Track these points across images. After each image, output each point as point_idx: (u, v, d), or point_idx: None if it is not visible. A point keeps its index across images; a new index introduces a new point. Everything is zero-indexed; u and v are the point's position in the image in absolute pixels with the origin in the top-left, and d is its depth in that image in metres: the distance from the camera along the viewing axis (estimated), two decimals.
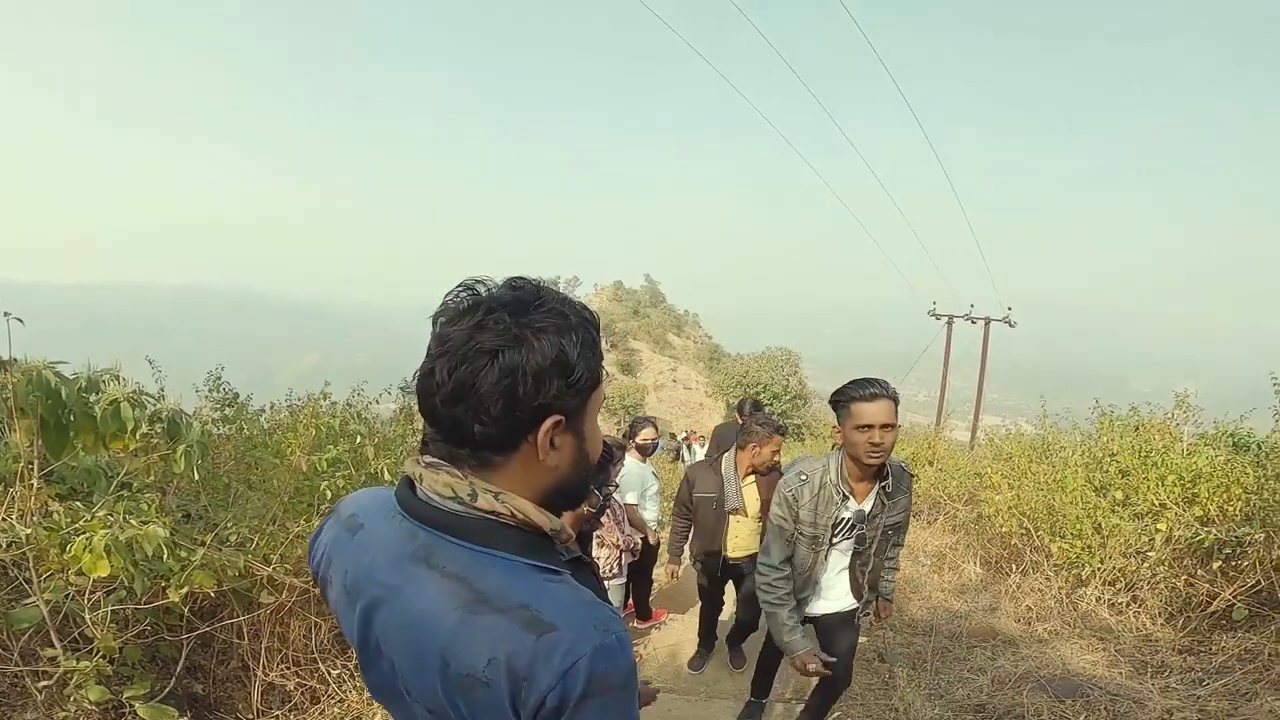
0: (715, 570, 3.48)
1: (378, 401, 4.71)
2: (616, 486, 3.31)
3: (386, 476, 3.12)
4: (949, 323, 18.21)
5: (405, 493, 0.78)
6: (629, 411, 37.35)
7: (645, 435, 4.27)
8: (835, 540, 2.21)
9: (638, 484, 4.12)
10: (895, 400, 1.99)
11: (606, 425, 30.76)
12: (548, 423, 0.72)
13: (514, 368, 0.68)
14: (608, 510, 3.25)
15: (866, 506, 2.16)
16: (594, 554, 3.34)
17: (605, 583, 3.27)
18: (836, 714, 3.09)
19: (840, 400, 2.05)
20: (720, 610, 3.84)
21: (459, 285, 0.75)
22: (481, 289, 0.74)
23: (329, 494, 2.91)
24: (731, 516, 3.36)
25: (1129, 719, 2.57)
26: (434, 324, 0.74)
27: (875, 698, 3.21)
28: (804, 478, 2.17)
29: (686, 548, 3.64)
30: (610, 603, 0.82)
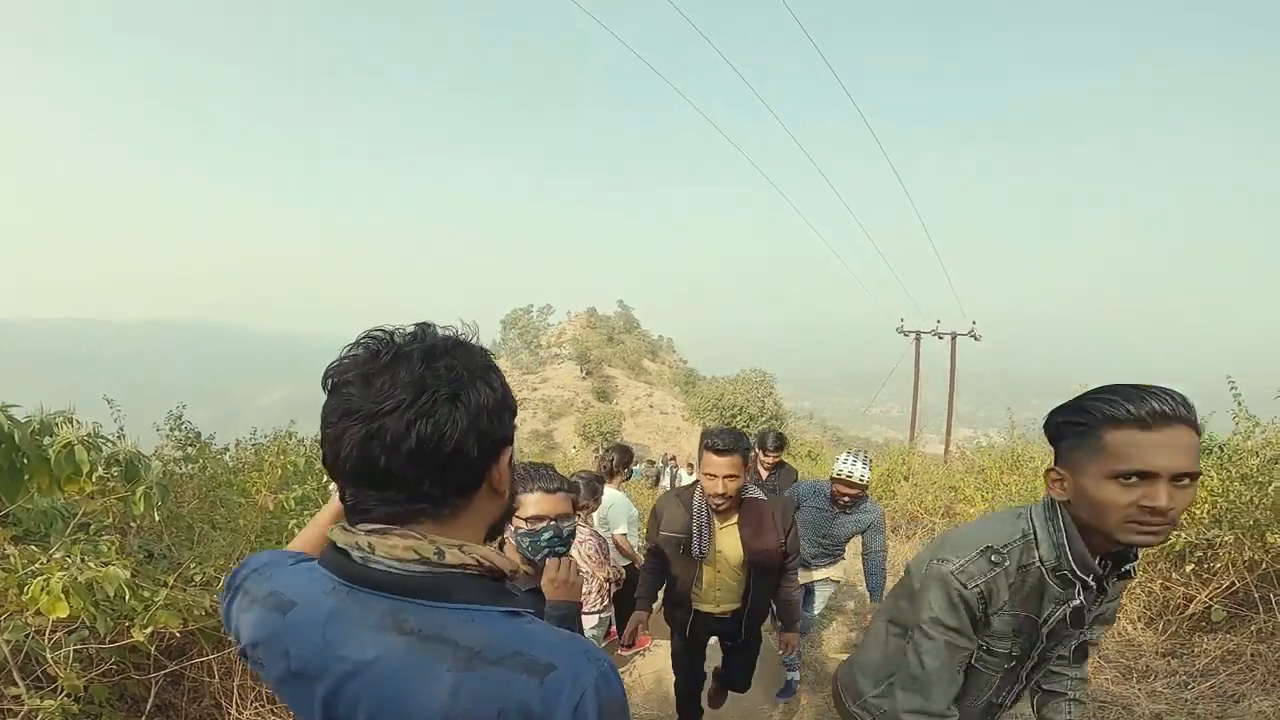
0: (684, 628, 2.73)
1: None
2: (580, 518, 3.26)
3: None
4: (917, 338, 18.64)
5: (343, 562, 0.72)
6: (606, 439, 37.18)
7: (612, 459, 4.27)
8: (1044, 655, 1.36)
9: (624, 512, 4.10)
10: (1198, 431, 1.08)
11: (585, 455, 30.49)
12: (506, 453, 0.73)
13: (479, 408, 0.69)
14: (595, 549, 3.17)
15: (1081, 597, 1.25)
16: (585, 592, 3.27)
17: (594, 615, 3.21)
18: None
19: (1086, 423, 1.13)
20: (701, 684, 2.99)
21: (359, 342, 0.71)
22: (395, 338, 0.71)
23: (296, 532, 2.82)
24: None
25: None
26: (331, 382, 0.70)
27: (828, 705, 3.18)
28: (997, 562, 1.22)
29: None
30: (576, 625, 0.83)
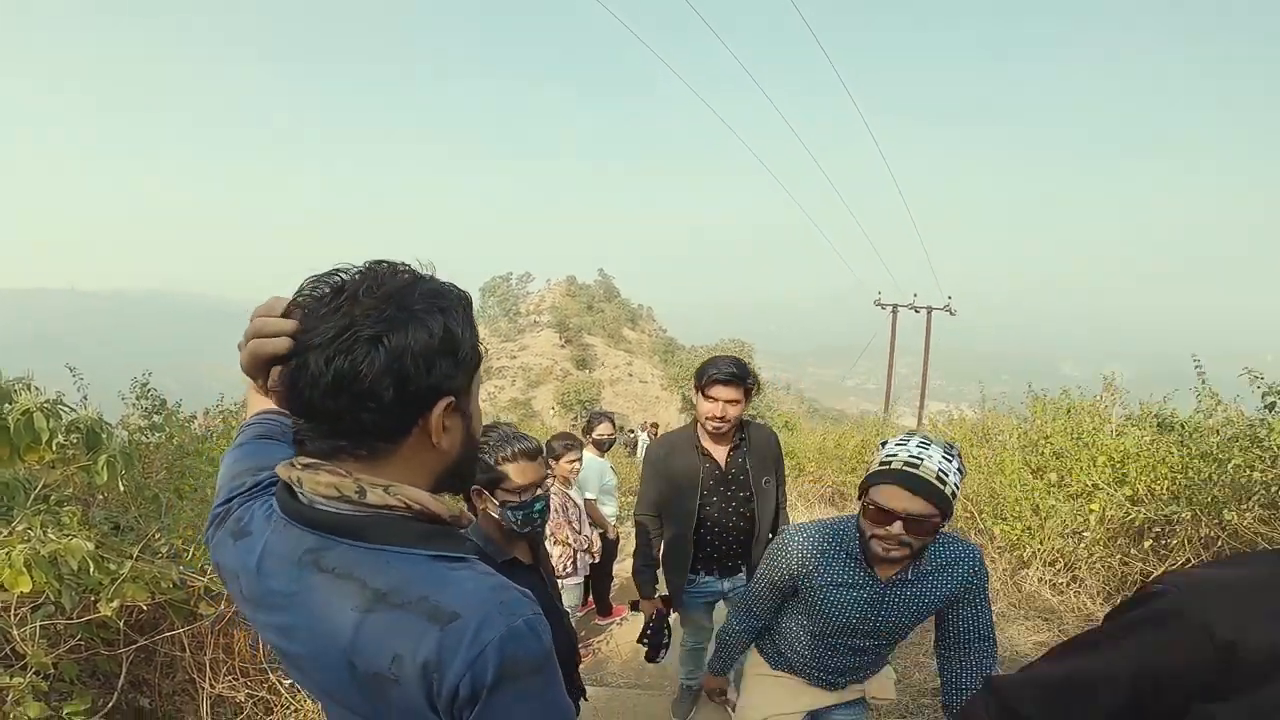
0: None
1: None
2: (553, 482, 3.24)
3: None
4: (894, 311, 18.83)
5: (285, 497, 0.74)
6: (585, 406, 37.23)
7: (602, 430, 4.26)
8: None
9: (596, 479, 4.09)
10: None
11: (562, 421, 30.53)
12: (441, 405, 0.70)
13: (401, 351, 0.66)
14: (558, 508, 3.19)
15: None
16: (546, 551, 3.30)
17: (560, 581, 3.24)
18: None
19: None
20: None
21: (315, 276, 0.71)
22: (343, 276, 0.70)
23: None
24: None
25: None
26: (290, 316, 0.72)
27: None
28: None
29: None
30: (546, 599, 0.82)
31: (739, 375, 2.26)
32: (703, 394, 2.31)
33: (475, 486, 1.52)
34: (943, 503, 1.38)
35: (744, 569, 2.54)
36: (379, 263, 0.71)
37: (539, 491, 1.58)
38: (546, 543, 3.27)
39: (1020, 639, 3.42)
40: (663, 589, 2.63)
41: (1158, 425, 5.55)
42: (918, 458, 1.40)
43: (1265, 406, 3.41)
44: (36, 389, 2.15)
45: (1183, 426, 5.46)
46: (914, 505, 1.38)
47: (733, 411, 2.28)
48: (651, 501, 2.52)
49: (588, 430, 4.30)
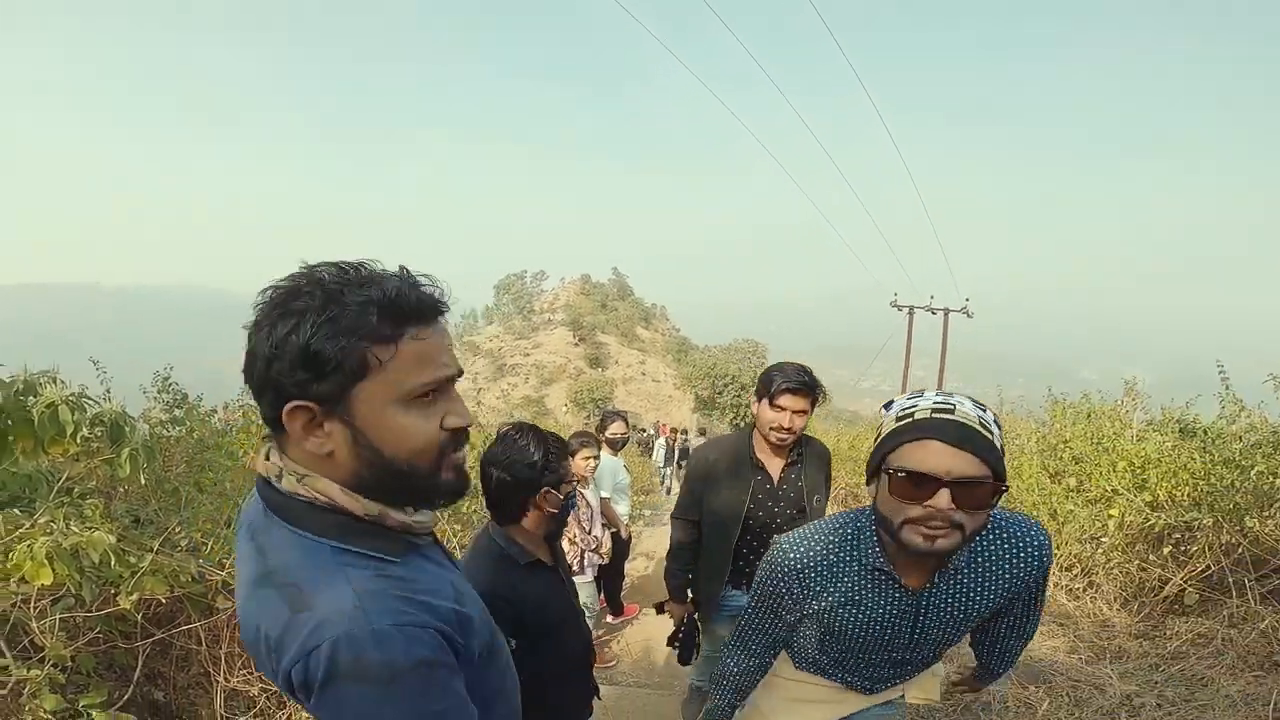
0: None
1: None
2: (575, 482, 3.24)
3: None
4: (910, 313, 18.62)
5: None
6: (598, 405, 37.31)
7: (616, 429, 4.25)
8: None
9: (610, 477, 4.09)
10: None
11: (576, 420, 30.61)
12: (287, 408, 0.72)
13: (253, 352, 0.72)
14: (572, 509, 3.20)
15: None
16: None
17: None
18: None
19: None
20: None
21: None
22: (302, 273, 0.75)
23: None
24: None
25: (1090, 704, 2.63)
26: None
27: None
28: None
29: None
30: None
31: (809, 384, 2.13)
32: (769, 402, 2.15)
33: (544, 489, 1.54)
34: (996, 460, 1.00)
35: None
36: (325, 263, 0.74)
37: (570, 486, 1.63)
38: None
39: (1035, 644, 3.37)
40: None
41: (1180, 431, 5.47)
42: (948, 404, 1.03)
43: None
44: (61, 382, 2.19)
45: (1205, 432, 5.37)
46: (960, 463, 0.97)
47: (799, 423, 2.15)
48: (693, 505, 2.38)
49: (601, 428, 4.30)
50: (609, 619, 4.49)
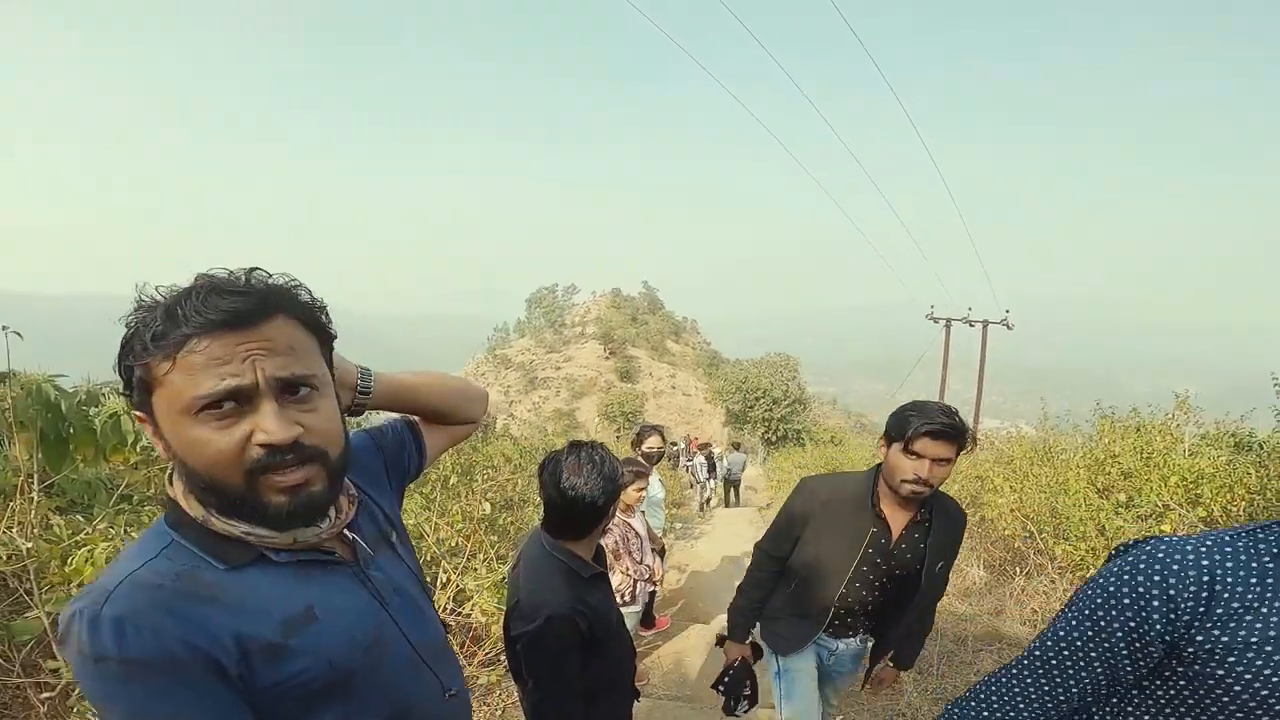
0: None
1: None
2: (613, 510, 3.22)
3: None
4: (947, 325, 18.24)
5: None
6: (629, 419, 37.29)
7: (652, 443, 4.20)
8: None
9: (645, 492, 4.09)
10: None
11: (605, 433, 30.62)
12: (142, 422, 0.76)
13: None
14: (619, 538, 3.16)
15: None
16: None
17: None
18: (841, 716, 3.07)
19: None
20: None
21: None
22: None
23: None
24: None
25: None
26: None
27: (883, 702, 3.18)
28: None
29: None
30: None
31: (956, 429, 1.73)
32: (905, 448, 1.76)
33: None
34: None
35: (860, 635, 2.10)
36: (211, 272, 0.75)
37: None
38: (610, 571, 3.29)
39: None
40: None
41: (1235, 445, 5.26)
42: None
43: None
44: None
45: (1261, 446, 5.16)
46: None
47: (939, 475, 1.75)
48: (786, 542, 2.04)
49: (637, 443, 4.26)
50: (641, 632, 4.47)
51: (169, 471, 0.78)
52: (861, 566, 1.93)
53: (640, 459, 4.17)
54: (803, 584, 2.02)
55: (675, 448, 18.11)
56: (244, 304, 0.71)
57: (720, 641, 2.23)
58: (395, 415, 1.12)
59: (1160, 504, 3.99)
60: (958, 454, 1.77)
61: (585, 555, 1.56)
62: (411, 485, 3.41)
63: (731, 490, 14.10)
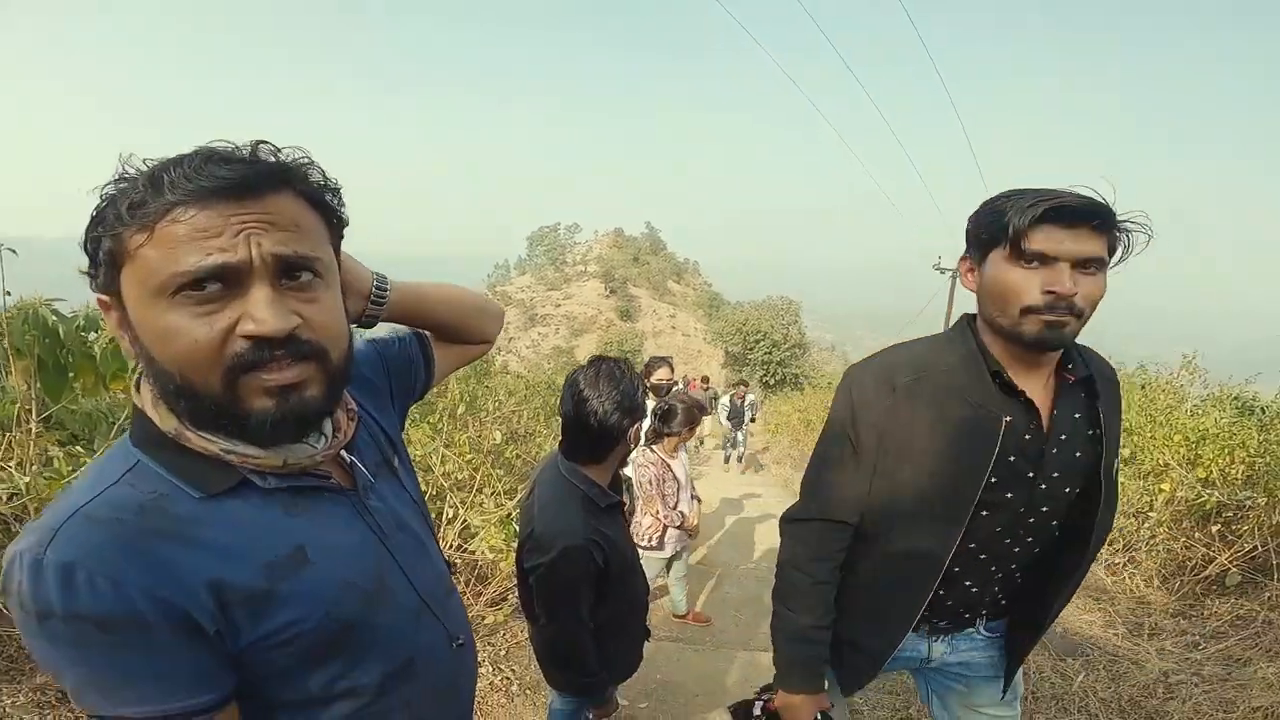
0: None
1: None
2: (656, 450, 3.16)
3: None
4: (953, 276, 18.14)
5: None
6: (628, 356, 37.30)
7: (661, 375, 4.02)
8: None
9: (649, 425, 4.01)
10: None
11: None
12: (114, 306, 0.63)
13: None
14: (654, 479, 3.11)
15: None
16: (635, 520, 3.27)
17: (643, 553, 3.17)
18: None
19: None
20: None
21: None
22: None
23: None
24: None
25: (1127, 679, 2.61)
26: None
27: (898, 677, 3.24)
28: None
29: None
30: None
31: (1101, 214, 0.98)
32: (1014, 254, 1.02)
33: (636, 424, 1.49)
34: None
35: (980, 624, 1.28)
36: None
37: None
38: (637, 512, 3.24)
39: (1072, 617, 3.33)
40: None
41: (1239, 408, 5.26)
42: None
43: None
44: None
45: (1264, 410, 5.16)
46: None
47: (1091, 291, 1.01)
48: (851, 498, 1.18)
49: (645, 375, 4.04)
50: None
51: (135, 374, 0.67)
52: (1001, 488, 1.09)
53: (650, 391, 3.97)
54: (897, 552, 1.16)
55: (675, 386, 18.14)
56: (246, 172, 0.59)
57: (764, 694, 1.37)
58: (403, 328, 1.00)
59: (1162, 462, 4.00)
60: (1110, 255, 1.02)
61: (602, 481, 1.49)
62: (416, 414, 3.37)
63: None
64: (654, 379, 4.00)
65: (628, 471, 3.08)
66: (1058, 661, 2.76)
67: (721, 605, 4.06)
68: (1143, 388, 5.65)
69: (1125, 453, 4.33)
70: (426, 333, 1.02)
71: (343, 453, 0.75)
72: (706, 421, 4.12)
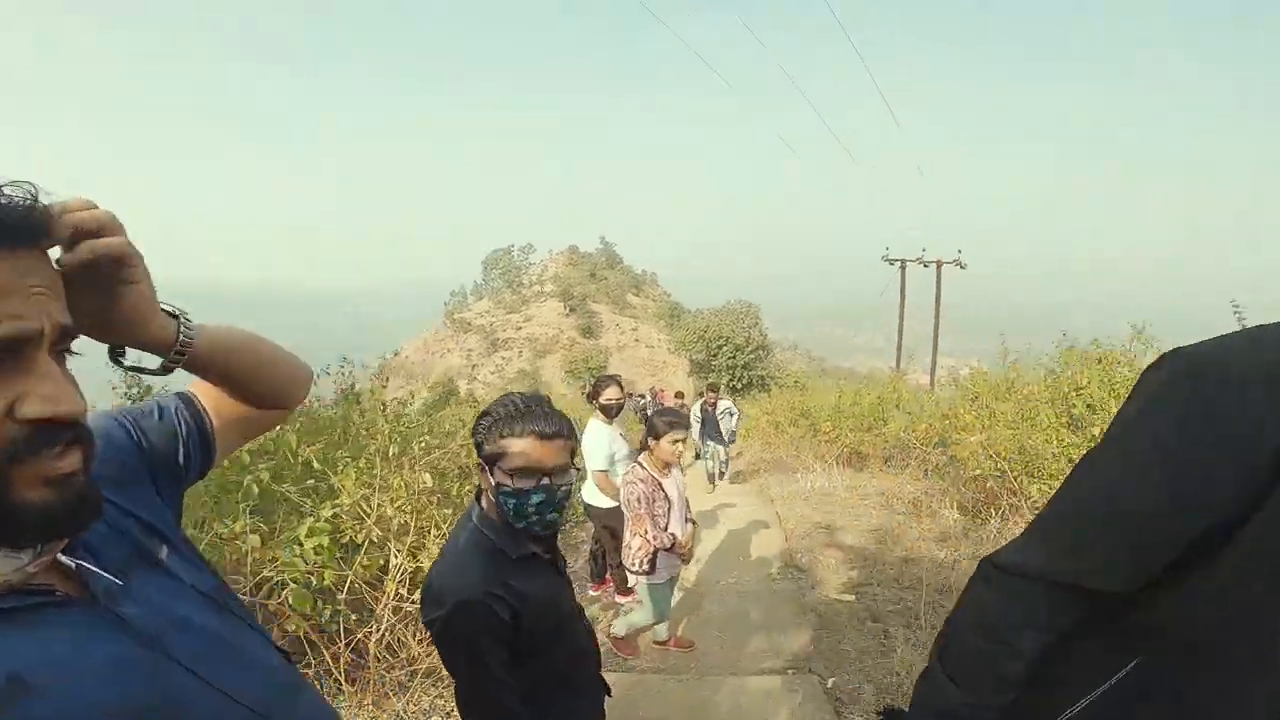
0: None
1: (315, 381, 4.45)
2: (642, 465, 2.99)
3: (316, 465, 2.82)
4: (902, 266, 18.49)
5: None
6: (593, 374, 37.09)
7: (610, 395, 3.94)
8: None
9: (605, 448, 3.82)
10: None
11: (572, 389, 30.37)
12: None
13: None
14: (642, 496, 2.90)
15: None
16: (625, 543, 3.06)
17: (635, 579, 3.03)
18: (835, 678, 2.97)
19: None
20: None
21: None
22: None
23: (255, 489, 2.62)
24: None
25: None
26: None
27: (874, 661, 3.09)
28: None
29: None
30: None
31: None
32: None
33: (479, 460, 1.31)
34: None
35: None
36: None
37: (544, 481, 1.26)
38: (625, 534, 3.06)
39: None
40: None
41: None
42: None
43: None
44: None
45: None
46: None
47: None
48: (1130, 564, 0.68)
49: (594, 395, 3.99)
50: (618, 599, 4.30)
51: None
52: None
53: (599, 411, 3.91)
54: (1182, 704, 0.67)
55: (640, 401, 18.01)
56: (27, 219, 0.51)
57: None
58: (168, 396, 0.84)
59: None
60: None
61: (517, 532, 1.32)
62: (348, 459, 3.13)
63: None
64: (603, 399, 3.91)
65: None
66: None
67: (704, 626, 3.84)
68: (1099, 361, 5.66)
69: (1096, 430, 4.27)
70: (199, 396, 0.84)
71: (61, 556, 0.59)
72: (617, 437, 3.94)
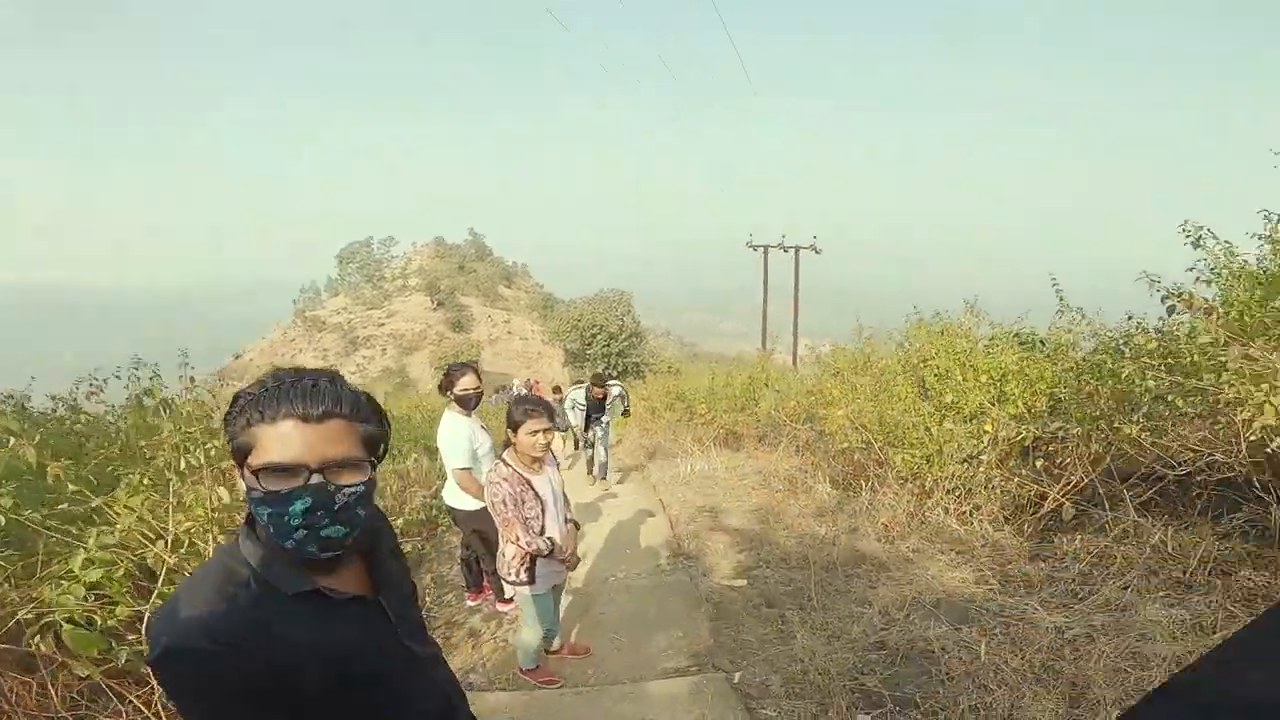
0: None
1: (101, 389, 4.09)
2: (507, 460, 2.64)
3: (72, 487, 2.40)
4: (765, 253, 19.50)
5: None
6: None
7: (465, 384, 3.49)
8: None
9: (465, 443, 3.45)
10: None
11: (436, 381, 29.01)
12: None
13: None
14: (508, 497, 2.55)
15: None
16: (499, 551, 2.75)
17: (513, 589, 2.72)
18: (740, 672, 2.92)
19: None
20: None
21: None
22: None
23: None
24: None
25: (1028, 642, 2.59)
26: None
27: (776, 649, 3.07)
28: None
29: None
30: None
31: None
32: None
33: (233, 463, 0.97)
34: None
35: None
36: None
37: (313, 480, 0.92)
38: (501, 542, 2.70)
39: (943, 575, 3.40)
40: None
41: (1020, 343, 5.89)
42: None
43: (1166, 310, 3.37)
44: None
45: (1043, 343, 5.81)
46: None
47: None
48: None
49: (447, 386, 3.53)
50: (499, 608, 4.04)
51: None
52: None
53: (455, 403, 3.49)
54: None
55: (513, 392, 17.48)
56: None
57: None
58: None
59: (979, 404, 4.26)
60: None
61: (291, 558, 0.97)
62: (130, 474, 2.67)
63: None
64: (458, 389, 3.48)
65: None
66: (954, 631, 2.73)
67: (598, 629, 3.69)
68: (942, 333, 6.11)
69: (948, 399, 4.59)
70: None
71: None
72: (479, 430, 3.62)
